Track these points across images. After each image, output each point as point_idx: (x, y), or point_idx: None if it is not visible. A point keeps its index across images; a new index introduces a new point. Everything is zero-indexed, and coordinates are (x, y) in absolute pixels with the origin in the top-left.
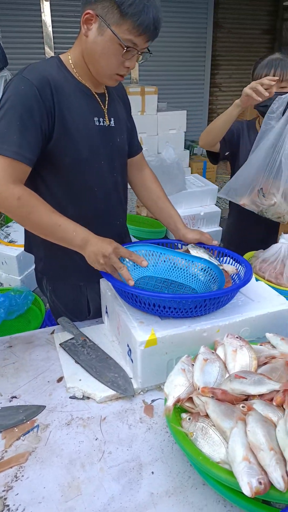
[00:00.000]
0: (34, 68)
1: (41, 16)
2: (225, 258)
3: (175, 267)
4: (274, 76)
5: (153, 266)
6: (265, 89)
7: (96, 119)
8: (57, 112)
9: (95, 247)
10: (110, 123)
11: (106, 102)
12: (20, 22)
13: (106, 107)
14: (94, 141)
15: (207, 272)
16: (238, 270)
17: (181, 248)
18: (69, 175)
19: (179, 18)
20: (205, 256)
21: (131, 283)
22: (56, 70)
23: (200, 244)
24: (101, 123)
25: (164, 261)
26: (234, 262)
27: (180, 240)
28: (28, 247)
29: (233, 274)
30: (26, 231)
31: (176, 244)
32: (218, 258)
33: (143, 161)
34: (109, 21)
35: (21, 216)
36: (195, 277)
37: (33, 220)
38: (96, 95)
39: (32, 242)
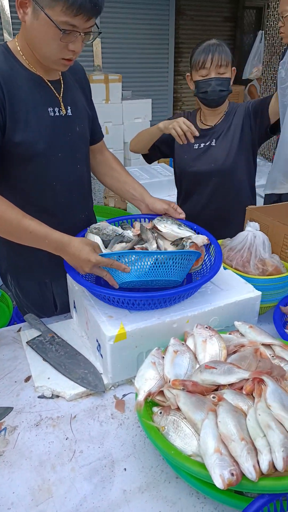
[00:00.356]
0: None
1: None
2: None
3: (156, 264)
4: (211, 59)
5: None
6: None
7: (50, 109)
8: (8, 106)
9: (73, 261)
10: (67, 112)
11: (61, 89)
12: None
13: (62, 95)
14: (50, 133)
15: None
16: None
17: (148, 222)
18: (26, 170)
19: (141, 4)
20: (174, 227)
21: (116, 287)
22: (3, 61)
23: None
24: (57, 113)
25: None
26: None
27: (147, 214)
28: None
29: (205, 245)
30: None
31: (143, 218)
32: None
33: (103, 146)
34: (42, 3)
35: None
36: (174, 267)
37: (2, 226)
38: (49, 83)
39: None
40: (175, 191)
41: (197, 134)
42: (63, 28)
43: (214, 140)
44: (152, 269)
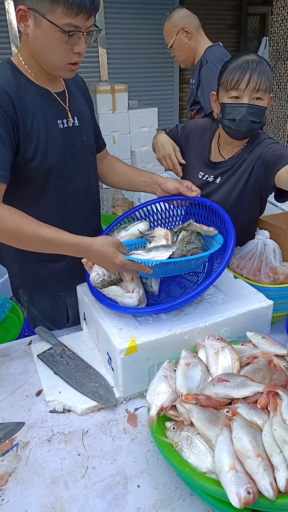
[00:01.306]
0: None
1: (6, 15)
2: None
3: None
4: (248, 81)
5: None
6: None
7: (59, 121)
8: (20, 124)
9: (99, 262)
10: (74, 122)
11: (67, 100)
12: None
13: (68, 105)
14: (60, 146)
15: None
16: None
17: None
18: (38, 184)
19: (145, 15)
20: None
21: (150, 272)
22: (11, 78)
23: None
24: (65, 125)
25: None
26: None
27: (162, 197)
28: (2, 261)
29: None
30: (1, 247)
31: (159, 203)
32: (201, 215)
33: (106, 152)
34: (42, 11)
35: (6, 237)
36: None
37: (19, 239)
38: (55, 95)
39: (5, 257)
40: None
41: (180, 175)
42: (67, 30)
43: (219, 177)
44: (171, 270)
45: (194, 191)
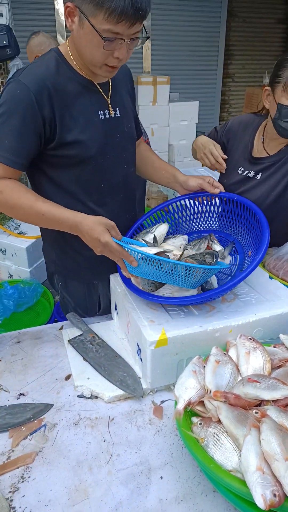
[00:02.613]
0: (31, 71)
1: (54, 4)
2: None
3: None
4: None
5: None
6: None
7: (101, 112)
8: (58, 115)
9: (87, 240)
10: (115, 113)
11: (110, 91)
12: (32, 10)
13: (110, 97)
14: (101, 137)
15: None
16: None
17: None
18: (76, 173)
19: (192, 7)
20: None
21: (127, 276)
22: (55, 69)
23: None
24: (106, 116)
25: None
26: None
27: (185, 195)
28: (42, 247)
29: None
30: (41, 231)
31: (183, 200)
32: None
33: (140, 141)
34: (86, 13)
35: (6, 209)
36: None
37: (16, 213)
38: (98, 86)
39: (43, 241)
40: None
41: (224, 168)
42: (106, 36)
43: (260, 173)
44: (161, 275)
45: (216, 187)
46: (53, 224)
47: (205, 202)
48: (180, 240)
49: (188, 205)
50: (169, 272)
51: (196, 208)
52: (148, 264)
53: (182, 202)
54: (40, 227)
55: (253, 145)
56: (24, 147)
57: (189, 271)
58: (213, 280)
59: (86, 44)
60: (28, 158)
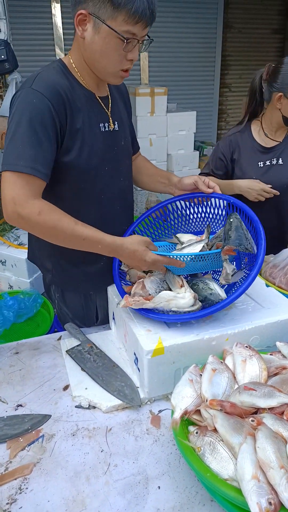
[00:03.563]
0: (43, 79)
1: (51, 18)
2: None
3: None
4: None
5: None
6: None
7: (102, 125)
8: (68, 124)
9: (130, 262)
10: (114, 127)
11: (110, 105)
12: (30, 24)
13: (110, 110)
14: (101, 149)
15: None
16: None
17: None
18: (76, 185)
19: (188, 18)
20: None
21: (183, 265)
22: (63, 78)
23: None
24: (106, 129)
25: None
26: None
27: (181, 195)
28: (32, 257)
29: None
30: (30, 241)
31: (179, 201)
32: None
33: (138, 154)
34: (103, 17)
35: (44, 232)
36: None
37: (55, 236)
38: (99, 99)
39: (37, 254)
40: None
41: (277, 193)
42: (126, 36)
43: (280, 158)
44: (203, 265)
45: (210, 188)
46: (92, 248)
47: (202, 202)
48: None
49: (184, 206)
50: (213, 260)
51: (191, 209)
52: (194, 261)
53: (178, 203)
54: (32, 239)
55: (257, 141)
56: (46, 157)
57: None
58: (220, 290)
59: (102, 49)
60: (50, 168)
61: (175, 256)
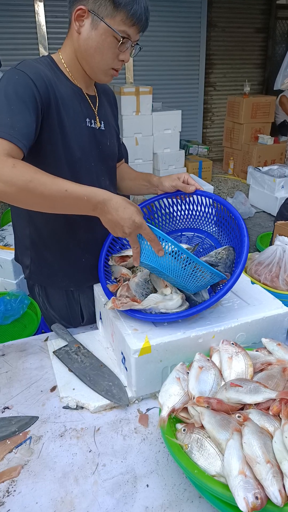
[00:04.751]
0: (28, 63)
1: (35, 17)
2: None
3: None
4: None
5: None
6: None
7: (88, 120)
8: (52, 107)
9: (114, 218)
10: (101, 125)
11: (97, 104)
12: (14, 23)
13: (97, 109)
14: (85, 141)
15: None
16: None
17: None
18: (62, 176)
19: (173, 17)
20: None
21: (137, 264)
22: (49, 69)
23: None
24: (92, 125)
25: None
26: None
27: (160, 195)
28: (17, 257)
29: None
30: (15, 241)
31: (163, 199)
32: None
33: (121, 161)
34: (102, 14)
35: (19, 188)
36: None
37: (33, 189)
38: (87, 96)
39: (19, 250)
40: None
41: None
42: (123, 35)
43: None
44: (178, 270)
45: (191, 186)
46: (75, 201)
47: (184, 199)
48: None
49: (167, 204)
50: (190, 273)
51: (175, 206)
52: (175, 258)
53: (161, 201)
54: (16, 235)
55: None
56: (25, 126)
57: (201, 271)
58: (204, 291)
59: (98, 45)
60: (29, 140)
61: (162, 240)
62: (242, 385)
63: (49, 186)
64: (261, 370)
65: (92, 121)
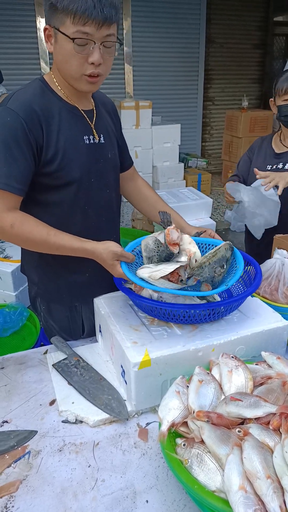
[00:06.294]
0: (19, 97)
1: (36, 32)
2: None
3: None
4: None
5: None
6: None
7: (86, 137)
8: (46, 138)
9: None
10: (100, 139)
11: (94, 118)
12: (16, 38)
13: (94, 123)
14: (85, 160)
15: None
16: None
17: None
18: (61, 196)
19: (172, 33)
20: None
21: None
22: (40, 95)
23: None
24: (91, 141)
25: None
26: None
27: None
28: (22, 270)
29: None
30: (22, 253)
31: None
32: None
33: (134, 172)
34: (56, 25)
35: (20, 243)
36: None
37: (31, 245)
38: (83, 112)
39: (26, 265)
40: (203, 215)
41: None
42: (74, 37)
43: (287, 164)
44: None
45: (218, 239)
46: (67, 254)
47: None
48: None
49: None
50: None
51: None
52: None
53: None
54: (23, 252)
55: (272, 147)
56: (20, 172)
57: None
58: (216, 297)
59: (62, 56)
60: (26, 183)
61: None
62: (242, 399)
63: (41, 244)
64: (261, 384)
65: (91, 136)
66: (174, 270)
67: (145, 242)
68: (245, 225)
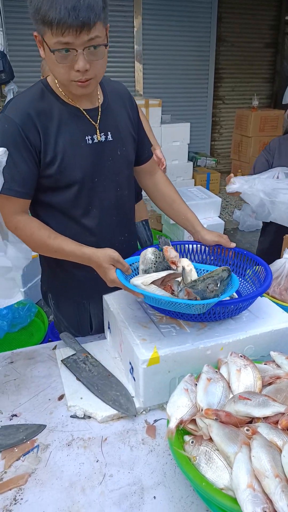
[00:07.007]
0: (16, 104)
1: None
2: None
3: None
4: None
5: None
6: None
7: (88, 137)
8: (44, 142)
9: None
10: (107, 137)
11: (99, 116)
12: (26, 36)
13: (99, 121)
14: (86, 161)
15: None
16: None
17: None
18: (64, 196)
19: (182, 32)
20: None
21: (141, 296)
22: (39, 99)
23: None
24: (95, 140)
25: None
26: (254, 263)
27: (199, 242)
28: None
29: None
30: None
31: (196, 245)
32: (235, 262)
33: (154, 166)
34: (41, 34)
35: (25, 243)
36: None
37: (32, 247)
38: (85, 112)
39: (40, 259)
40: (211, 214)
41: None
42: (54, 48)
43: None
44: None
45: (233, 243)
46: (65, 258)
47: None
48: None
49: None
50: (170, 303)
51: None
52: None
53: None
54: None
55: None
56: (23, 177)
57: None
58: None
59: (50, 65)
60: (30, 187)
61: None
62: (251, 398)
63: (41, 247)
64: (270, 384)
65: (94, 136)
66: (167, 283)
67: (144, 253)
68: (262, 227)
